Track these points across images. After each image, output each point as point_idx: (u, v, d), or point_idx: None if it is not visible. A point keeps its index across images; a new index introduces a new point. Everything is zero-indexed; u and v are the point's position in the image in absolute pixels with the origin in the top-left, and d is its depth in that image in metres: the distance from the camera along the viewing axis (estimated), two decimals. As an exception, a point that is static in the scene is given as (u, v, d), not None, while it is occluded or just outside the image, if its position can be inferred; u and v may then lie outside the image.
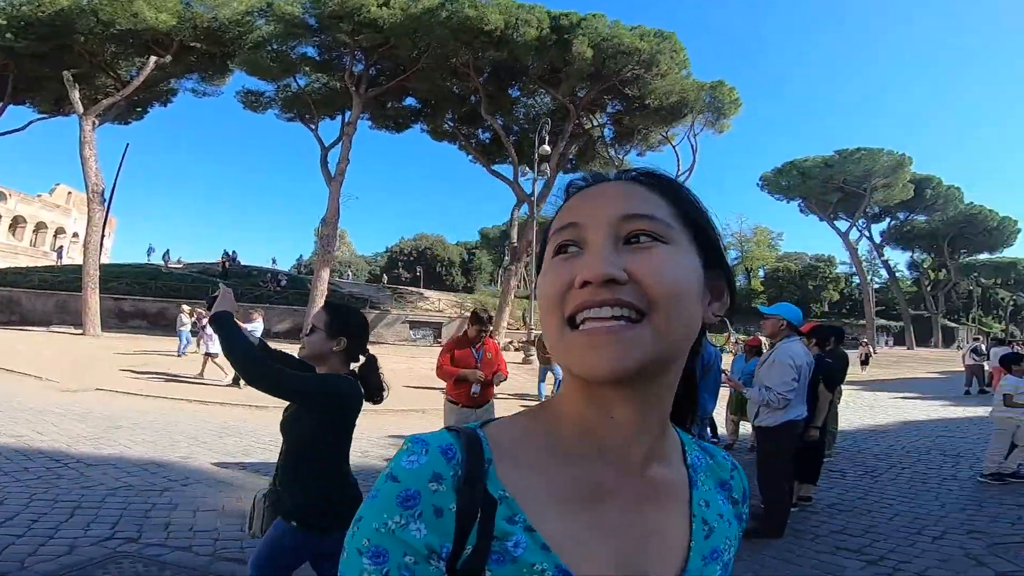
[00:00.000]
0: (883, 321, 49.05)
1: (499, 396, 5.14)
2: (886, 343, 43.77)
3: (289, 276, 35.67)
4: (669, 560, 0.53)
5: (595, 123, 26.28)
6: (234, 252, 36.07)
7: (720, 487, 0.62)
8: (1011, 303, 63.56)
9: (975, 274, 54.58)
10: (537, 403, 0.61)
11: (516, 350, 21.45)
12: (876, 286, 52.12)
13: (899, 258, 63.82)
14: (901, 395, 13.95)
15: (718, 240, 0.56)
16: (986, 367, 13.95)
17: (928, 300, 48.31)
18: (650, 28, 21.70)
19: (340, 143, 23.03)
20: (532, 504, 0.49)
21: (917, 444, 7.45)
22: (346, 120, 23.01)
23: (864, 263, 44.67)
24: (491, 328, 4.86)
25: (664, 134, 26.43)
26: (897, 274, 52.22)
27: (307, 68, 22.91)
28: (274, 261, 43.05)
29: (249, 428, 7.51)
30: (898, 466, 6.20)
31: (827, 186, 37.06)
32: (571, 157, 26.71)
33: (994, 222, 43.13)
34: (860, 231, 42.50)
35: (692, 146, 26.27)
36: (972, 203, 43.28)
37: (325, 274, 22.58)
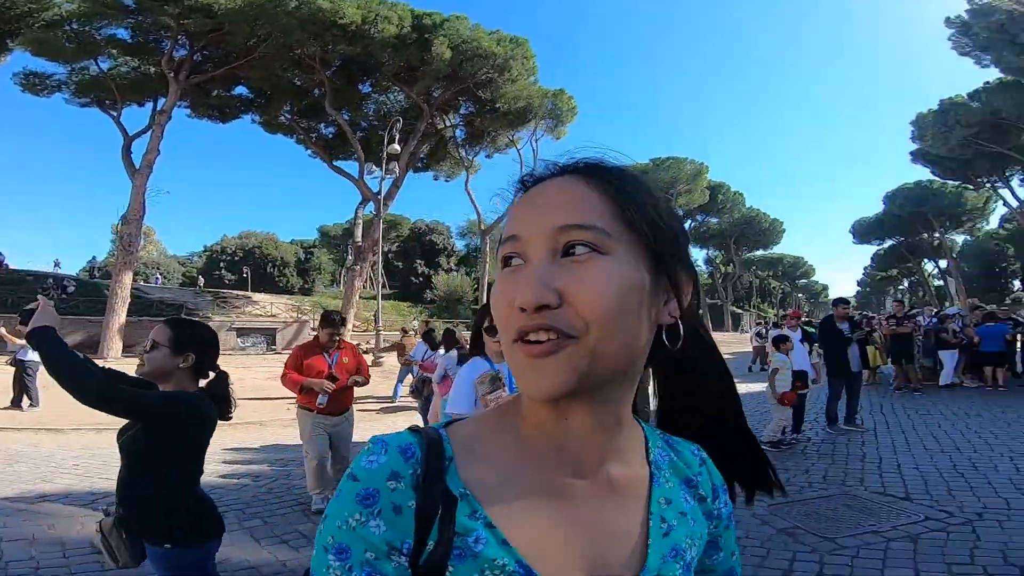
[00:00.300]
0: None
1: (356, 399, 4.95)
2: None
3: (78, 281, 30.00)
4: (629, 557, 0.53)
5: (447, 123, 26.36)
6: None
7: (685, 484, 0.60)
8: (780, 291, 77.90)
9: (754, 267, 66.59)
10: (508, 399, 0.61)
11: (365, 352, 20.76)
12: (697, 278, 61.37)
13: (697, 255, 74.54)
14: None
15: (674, 236, 0.54)
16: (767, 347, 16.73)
17: (719, 290, 56.54)
18: (507, 34, 22.30)
19: (150, 132, 20.22)
20: (494, 501, 0.50)
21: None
22: (159, 108, 20.34)
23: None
24: (344, 331, 4.64)
25: (511, 137, 27.48)
26: (696, 269, 61.23)
27: (114, 51, 19.86)
28: (57, 264, 35.80)
29: (44, 453, 6.56)
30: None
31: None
32: (422, 156, 26.56)
33: (767, 223, 51.92)
34: (683, 232, 48.96)
35: (533, 150, 27.72)
36: (751, 207, 51.67)
37: (127, 278, 19.62)
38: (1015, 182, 31.14)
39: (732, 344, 31.95)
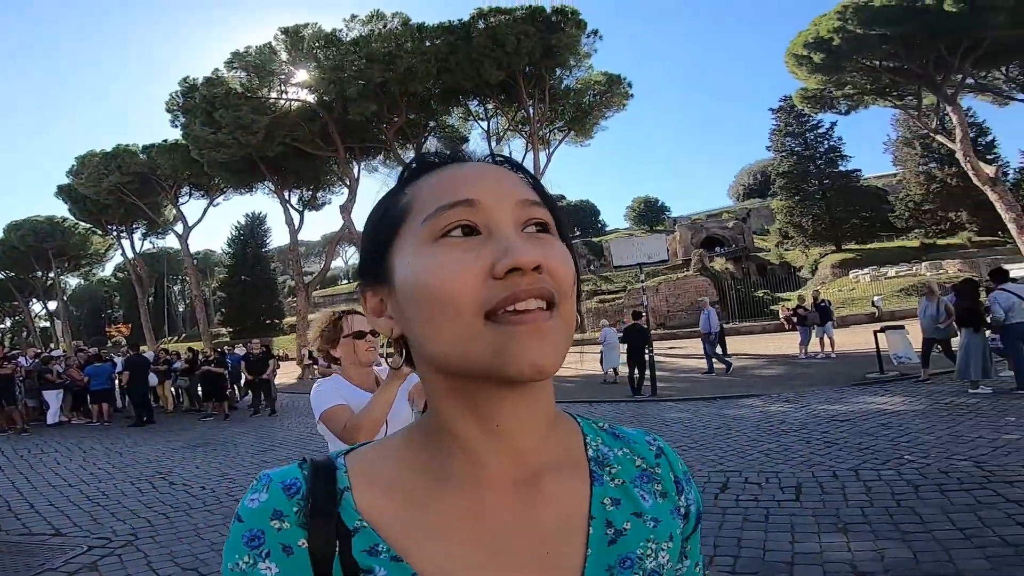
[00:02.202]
0: None
1: None
2: None
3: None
4: (565, 574, 0.48)
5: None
6: None
7: (642, 479, 0.55)
8: None
9: None
10: (407, 426, 0.54)
11: None
12: None
13: None
14: None
15: (567, 225, 0.53)
16: None
17: None
18: None
19: None
20: (400, 531, 0.46)
21: None
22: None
23: None
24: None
25: None
26: None
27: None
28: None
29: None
30: None
31: None
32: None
33: None
34: None
35: None
36: None
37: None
38: (137, 235, 35.39)
39: None
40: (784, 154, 36.47)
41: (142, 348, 13.99)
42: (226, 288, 45.23)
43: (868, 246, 32.49)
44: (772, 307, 23.29)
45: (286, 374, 18.43)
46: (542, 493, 0.50)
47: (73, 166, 29.60)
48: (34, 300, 49.21)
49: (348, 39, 19.87)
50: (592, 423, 0.59)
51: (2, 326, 60.85)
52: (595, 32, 20.92)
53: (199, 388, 12.59)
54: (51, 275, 42.35)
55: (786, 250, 37.74)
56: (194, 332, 40.34)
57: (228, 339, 32.25)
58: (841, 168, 35.58)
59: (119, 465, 7.00)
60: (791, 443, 5.95)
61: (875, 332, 10.03)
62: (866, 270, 26.00)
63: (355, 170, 24.14)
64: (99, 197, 29.32)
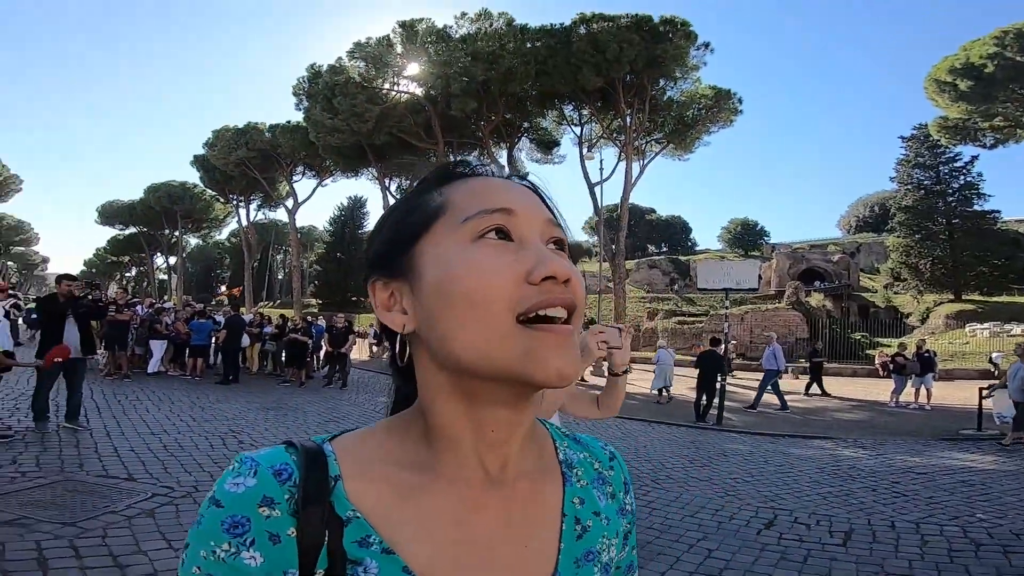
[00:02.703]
0: None
1: None
2: None
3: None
4: (542, 566, 0.51)
5: None
6: None
7: (598, 482, 0.59)
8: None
9: None
10: (390, 417, 0.55)
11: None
12: None
13: None
14: None
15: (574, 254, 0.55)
16: None
17: None
18: None
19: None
20: (391, 524, 0.47)
21: None
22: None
23: None
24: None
25: None
26: None
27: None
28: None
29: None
30: None
31: None
32: None
33: (1, 176, 41.66)
34: None
35: None
36: None
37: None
38: (253, 205, 39.13)
39: None
40: (910, 187, 32.56)
41: (241, 309, 15.25)
42: (322, 263, 48.35)
43: (993, 298, 28.73)
44: (868, 351, 21.47)
45: (362, 350, 19.33)
46: (523, 493, 0.52)
47: (209, 139, 32.89)
48: (158, 254, 55.29)
49: (457, 36, 20.51)
50: (557, 429, 0.62)
51: (129, 274, 68.79)
52: (706, 45, 20.22)
53: (283, 354, 13.44)
54: (176, 234, 47.38)
55: (896, 293, 34.32)
56: (288, 300, 43.40)
57: (317, 310, 34.37)
58: (976, 207, 31.32)
59: (199, 419, 7.57)
60: (855, 489, 5.58)
61: (980, 388, 9.26)
62: (986, 324, 23.20)
63: (451, 165, 25.00)
64: (227, 168, 32.44)
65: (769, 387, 11.43)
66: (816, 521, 4.59)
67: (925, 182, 32.30)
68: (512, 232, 0.48)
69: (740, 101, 22.24)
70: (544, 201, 0.53)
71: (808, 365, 15.07)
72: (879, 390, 13.42)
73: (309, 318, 14.58)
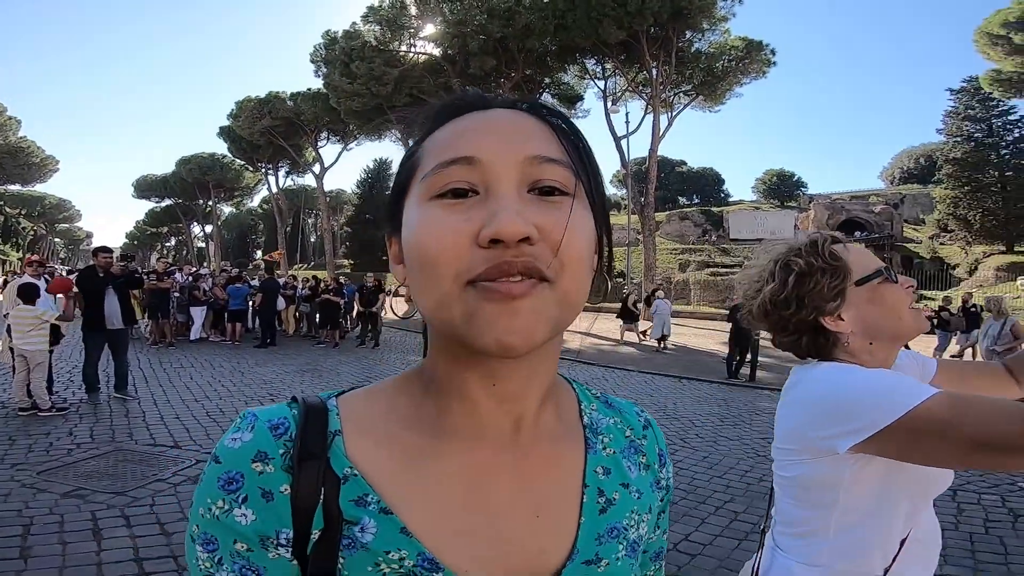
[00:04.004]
0: None
1: None
2: None
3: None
4: (555, 541, 0.47)
5: None
6: None
7: (630, 450, 0.54)
8: (32, 232, 65.70)
9: (2, 203, 53.60)
10: (403, 372, 0.52)
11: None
12: None
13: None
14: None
15: (604, 191, 0.48)
16: None
17: None
18: None
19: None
20: (392, 483, 0.44)
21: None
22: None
23: None
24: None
25: None
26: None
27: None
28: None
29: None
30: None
31: None
32: None
33: (38, 158, 43.09)
34: None
35: None
36: (26, 136, 41.75)
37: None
38: (281, 172, 39.63)
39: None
40: (959, 139, 31.13)
41: (277, 273, 15.57)
42: (352, 224, 49.03)
43: (1049, 250, 27.39)
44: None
45: (397, 307, 19.52)
46: (539, 458, 0.48)
47: (232, 110, 33.12)
48: (195, 223, 56.85)
49: None
50: (586, 390, 0.57)
51: (168, 244, 71.17)
52: (735, -6, 19.12)
53: (317, 315, 13.69)
54: (209, 203, 48.52)
55: (941, 244, 32.96)
56: (321, 262, 44.28)
57: (349, 271, 35.00)
58: (1031, 160, 30.00)
59: (239, 384, 7.84)
60: None
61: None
62: (1040, 275, 22.13)
63: (474, 123, 24.86)
64: (252, 138, 32.78)
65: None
66: (851, 481, 4.54)
67: (976, 134, 30.94)
68: (477, 184, 0.42)
69: (773, 52, 21.22)
70: (557, 125, 0.46)
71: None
72: (922, 346, 12.95)
73: (341, 279, 14.76)
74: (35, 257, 7.78)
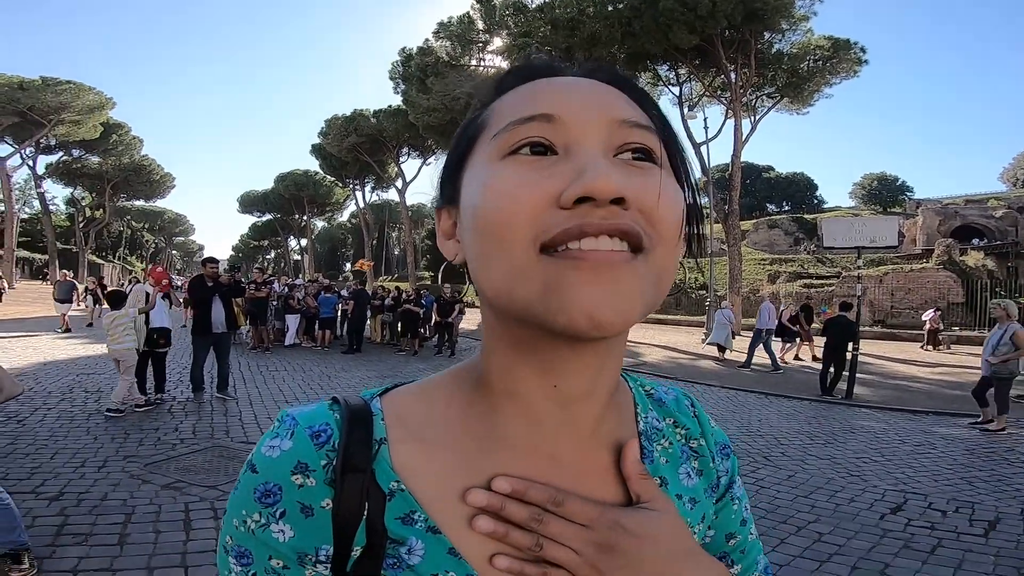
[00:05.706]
0: (26, 253, 46.06)
1: None
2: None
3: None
4: None
5: None
6: None
7: (685, 456, 0.51)
8: (153, 245, 73.68)
9: (128, 217, 60.53)
10: (454, 366, 0.49)
11: None
12: (24, 216, 48.30)
13: (59, 193, 60.55)
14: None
15: (690, 168, 0.44)
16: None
17: (78, 235, 48.00)
18: None
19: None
20: (440, 498, 0.40)
21: (60, 384, 7.37)
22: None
23: (15, 192, 39.51)
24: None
25: None
26: (52, 208, 49.38)
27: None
28: None
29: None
30: (44, 407, 6.10)
31: (6, 108, 30.85)
32: None
33: (158, 175, 48.06)
34: (24, 160, 37.60)
35: None
36: (147, 155, 46.68)
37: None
38: (367, 188, 41.58)
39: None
40: None
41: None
42: (433, 237, 50.46)
43: None
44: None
45: (469, 320, 19.87)
46: (597, 473, 0.45)
47: (322, 128, 35.32)
48: (291, 237, 61.15)
49: (534, 6, 20.10)
50: (641, 388, 0.53)
51: (268, 256, 77.07)
52: (815, -8, 18.00)
53: (399, 324, 14.29)
54: (304, 218, 51.98)
55: (1078, 248, 28.99)
56: (404, 273, 45.98)
57: (429, 282, 36.12)
58: None
59: (325, 388, 8.26)
60: (1009, 475, 4.89)
61: None
62: None
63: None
64: (340, 155, 34.80)
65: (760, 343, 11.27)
66: (955, 508, 4.09)
67: (1118, 131, 26.87)
68: (556, 143, 0.38)
69: (863, 51, 19.64)
70: (635, 97, 0.42)
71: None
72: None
73: (422, 291, 15.30)
74: (164, 277, 8.72)
